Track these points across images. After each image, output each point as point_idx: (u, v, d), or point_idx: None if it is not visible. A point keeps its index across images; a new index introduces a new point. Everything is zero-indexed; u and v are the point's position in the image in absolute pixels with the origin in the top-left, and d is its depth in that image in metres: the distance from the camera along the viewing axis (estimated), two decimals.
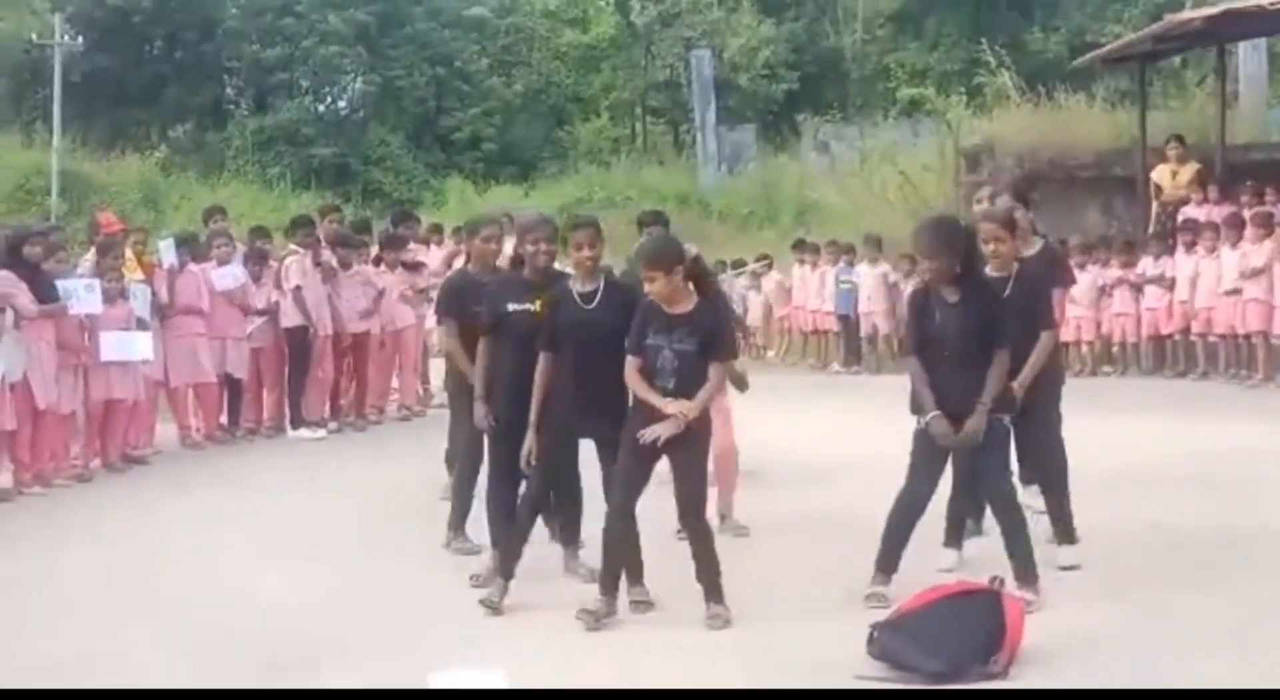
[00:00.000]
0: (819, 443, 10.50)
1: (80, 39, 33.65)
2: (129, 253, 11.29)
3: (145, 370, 10.88)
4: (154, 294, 11.06)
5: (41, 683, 5.57)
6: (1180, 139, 15.60)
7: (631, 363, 6.20)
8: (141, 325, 10.69)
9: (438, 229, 17.36)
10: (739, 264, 16.44)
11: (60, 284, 9.90)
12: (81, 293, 9.84)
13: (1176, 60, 22.78)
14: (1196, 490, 8.19)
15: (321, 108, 38.08)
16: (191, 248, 11.88)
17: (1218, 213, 14.63)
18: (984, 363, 6.28)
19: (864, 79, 34.80)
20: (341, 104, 38.85)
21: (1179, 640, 5.74)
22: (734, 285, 16.84)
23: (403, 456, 10.34)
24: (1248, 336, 13.59)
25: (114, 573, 7.49)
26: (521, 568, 7.04)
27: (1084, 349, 15.38)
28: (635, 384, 6.18)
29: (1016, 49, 25.21)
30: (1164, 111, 20.10)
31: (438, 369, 13.33)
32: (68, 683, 5.57)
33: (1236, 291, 13.58)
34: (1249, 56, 21.78)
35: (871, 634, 5.50)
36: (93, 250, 11.37)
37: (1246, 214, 14.03)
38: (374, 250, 13.34)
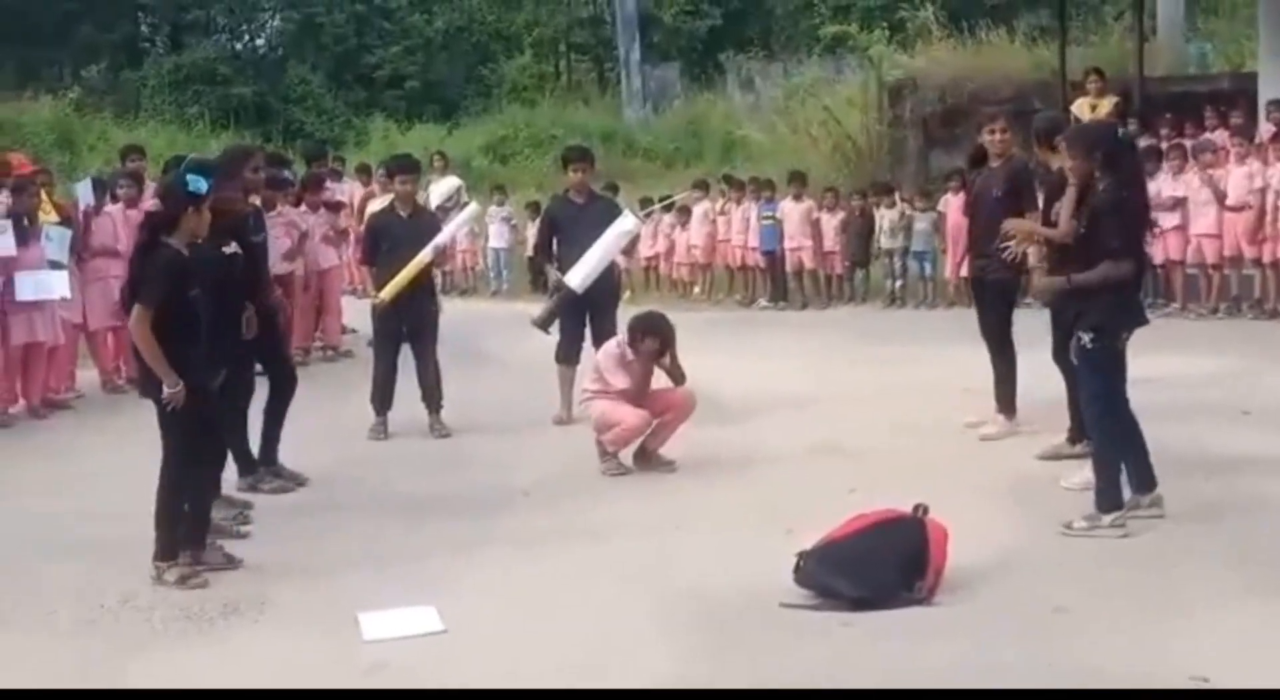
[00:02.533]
0: (745, 379, 10.52)
1: None
2: (43, 195, 11.08)
3: (64, 313, 10.72)
4: (74, 235, 10.87)
5: None
6: (1099, 72, 15.68)
7: (149, 316, 6.03)
8: (56, 267, 10.50)
9: (365, 169, 17.27)
10: (666, 198, 16.38)
11: None
12: None
13: None
14: None
15: (239, 46, 37.40)
16: (109, 188, 11.68)
17: (1138, 145, 14.78)
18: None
19: (787, 15, 34.65)
20: (260, 42, 38.15)
21: (1093, 572, 5.84)
22: (660, 221, 16.80)
23: (327, 398, 10.26)
24: (1163, 266, 13.79)
25: (31, 520, 7.39)
26: (440, 505, 7.19)
27: None
28: (151, 345, 6.04)
29: None
30: (1084, 46, 20.25)
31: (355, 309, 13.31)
32: None
33: (1154, 223, 13.74)
34: None
35: (798, 563, 5.58)
36: (6, 193, 11.13)
37: (1164, 146, 14.20)
38: None
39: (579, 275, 9.14)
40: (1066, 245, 6.68)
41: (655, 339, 7.91)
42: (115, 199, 11.60)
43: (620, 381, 7.93)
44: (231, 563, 6.32)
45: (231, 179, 7.42)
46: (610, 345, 8.26)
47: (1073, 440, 7.72)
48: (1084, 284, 6.36)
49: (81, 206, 11.28)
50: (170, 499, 6.21)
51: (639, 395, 7.95)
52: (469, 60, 36.22)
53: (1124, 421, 6.46)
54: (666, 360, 8.02)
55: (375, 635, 5.39)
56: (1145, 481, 6.49)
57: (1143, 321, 6.57)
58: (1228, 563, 5.86)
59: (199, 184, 6.15)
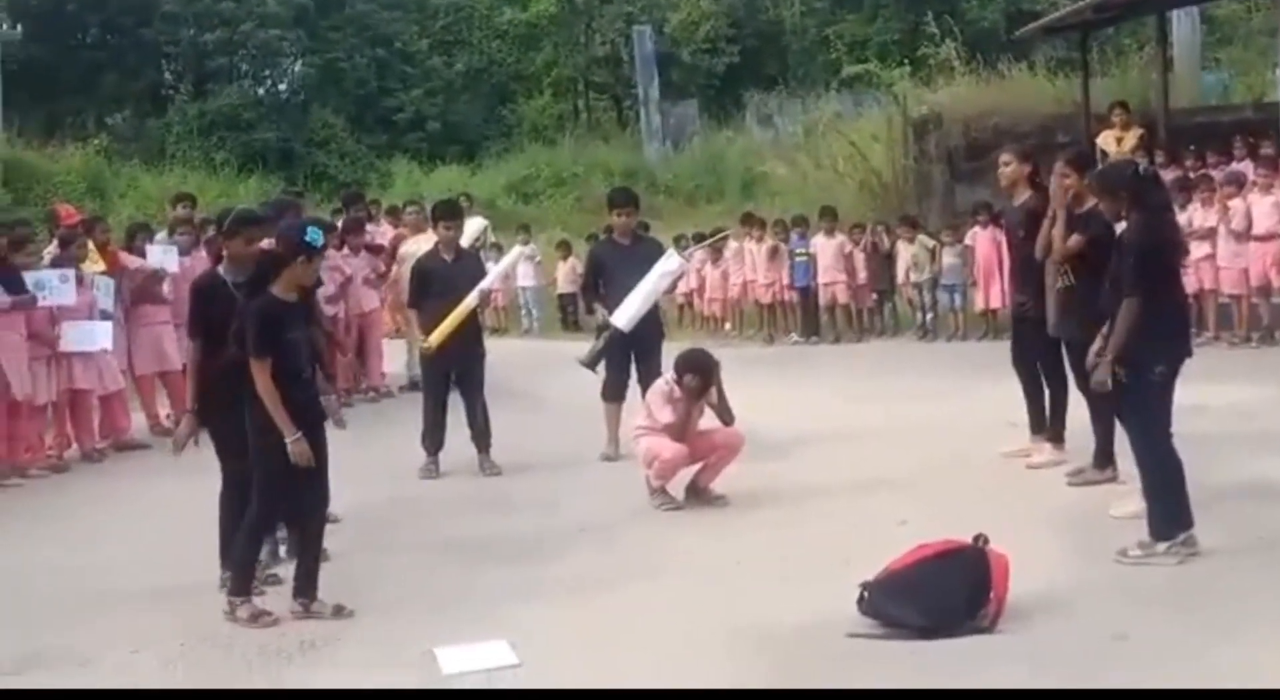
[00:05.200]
0: (786, 414, 10.61)
1: (19, 28, 33.23)
2: (90, 244, 11.28)
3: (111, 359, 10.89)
4: (117, 287, 11.05)
5: (16, 679, 5.61)
6: (1124, 105, 15.86)
7: (266, 366, 6.04)
8: (105, 316, 10.69)
9: (394, 210, 17.41)
10: (699, 238, 16.60)
11: (31, 276, 9.91)
12: (55, 284, 9.86)
13: (1111, 28, 23.10)
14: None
15: (262, 91, 37.71)
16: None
17: (1165, 177, 14.88)
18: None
19: (804, 51, 34.89)
20: (282, 87, 38.48)
21: (1152, 600, 5.92)
22: (693, 258, 16.95)
23: (375, 439, 10.42)
24: (1196, 296, 13.87)
25: (92, 564, 7.50)
26: (499, 543, 7.30)
27: None
28: (272, 395, 6.02)
29: (954, 18, 25.43)
30: (1104, 78, 20.41)
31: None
32: (44, 679, 5.60)
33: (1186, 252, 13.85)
34: (1181, 22, 22.12)
35: (862, 593, 5.69)
36: (55, 242, 11.36)
37: (1191, 176, 14.32)
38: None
39: (626, 315, 9.31)
40: (1099, 284, 6.76)
41: (697, 376, 8.06)
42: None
43: (666, 417, 8.09)
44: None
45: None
46: (659, 382, 8.41)
47: (1099, 465, 7.89)
48: (1121, 345, 6.35)
49: (155, 266, 11.30)
50: (250, 537, 6.31)
51: (682, 430, 8.10)
52: (489, 101, 36.54)
53: (1168, 457, 6.44)
54: (713, 397, 8.16)
55: (452, 669, 5.52)
56: (1183, 520, 6.45)
57: (1185, 354, 6.59)
58: None
59: (316, 236, 6.24)
